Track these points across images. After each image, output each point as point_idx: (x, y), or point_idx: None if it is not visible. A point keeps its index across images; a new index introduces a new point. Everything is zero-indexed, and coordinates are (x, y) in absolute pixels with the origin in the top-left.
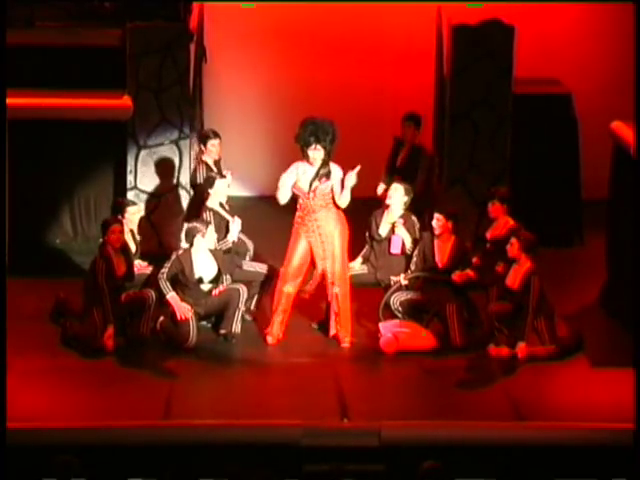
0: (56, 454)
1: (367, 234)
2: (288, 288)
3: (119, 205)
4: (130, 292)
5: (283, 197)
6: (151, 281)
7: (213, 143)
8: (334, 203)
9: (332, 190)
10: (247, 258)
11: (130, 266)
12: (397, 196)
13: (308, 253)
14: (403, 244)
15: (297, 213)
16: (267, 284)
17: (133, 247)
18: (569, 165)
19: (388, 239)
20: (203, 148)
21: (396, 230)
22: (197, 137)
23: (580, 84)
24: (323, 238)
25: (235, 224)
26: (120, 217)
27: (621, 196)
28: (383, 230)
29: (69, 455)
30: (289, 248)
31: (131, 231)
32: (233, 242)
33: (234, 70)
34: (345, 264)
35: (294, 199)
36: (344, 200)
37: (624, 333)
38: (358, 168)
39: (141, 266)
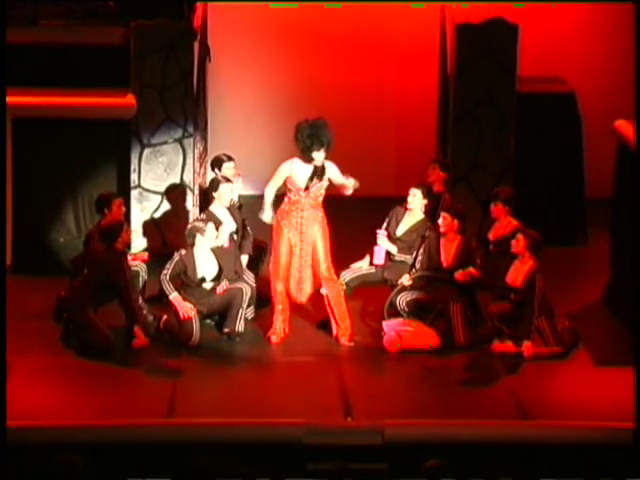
0: (59, 452)
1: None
2: (280, 286)
3: (105, 199)
4: None
5: (270, 194)
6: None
7: (228, 166)
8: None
9: (324, 189)
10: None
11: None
12: (416, 200)
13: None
14: (387, 254)
15: (282, 206)
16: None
17: None
18: (573, 164)
19: (371, 250)
20: (218, 172)
21: (378, 242)
22: (210, 163)
23: (584, 82)
24: (303, 237)
25: (225, 228)
26: (107, 211)
27: (625, 195)
28: (400, 230)
29: (72, 453)
30: (274, 245)
31: None
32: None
33: (238, 69)
34: (330, 266)
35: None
36: (349, 184)
37: (627, 332)
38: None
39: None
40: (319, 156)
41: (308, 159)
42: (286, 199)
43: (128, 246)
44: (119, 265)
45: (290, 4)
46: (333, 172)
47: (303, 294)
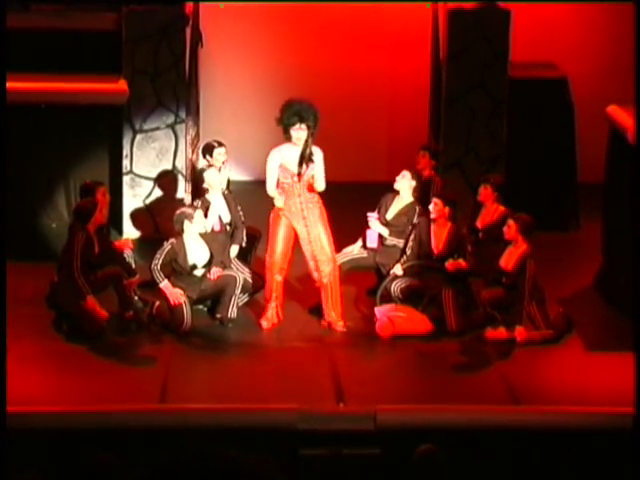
0: (54, 438)
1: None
2: (277, 277)
3: (89, 188)
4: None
5: (271, 186)
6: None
7: (219, 152)
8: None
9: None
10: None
11: (108, 248)
12: (404, 182)
13: (291, 238)
14: (380, 237)
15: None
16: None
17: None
18: (565, 149)
19: (363, 233)
20: (209, 159)
21: (370, 224)
22: (201, 150)
23: (576, 68)
24: (307, 222)
25: (214, 210)
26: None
27: (617, 180)
28: (390, 214)
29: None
30: (270, 236)
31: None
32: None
33: (230, 54)
34: (332, 249)
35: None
36: (320, 184)
37: (619, 317)
38: None
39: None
40: (300, 134)
41: (288, 137)
42: (279, 189)
43: (100, 228)
44: (71, 238)
45: None
46: (317, 159)
47: (324, 275)
